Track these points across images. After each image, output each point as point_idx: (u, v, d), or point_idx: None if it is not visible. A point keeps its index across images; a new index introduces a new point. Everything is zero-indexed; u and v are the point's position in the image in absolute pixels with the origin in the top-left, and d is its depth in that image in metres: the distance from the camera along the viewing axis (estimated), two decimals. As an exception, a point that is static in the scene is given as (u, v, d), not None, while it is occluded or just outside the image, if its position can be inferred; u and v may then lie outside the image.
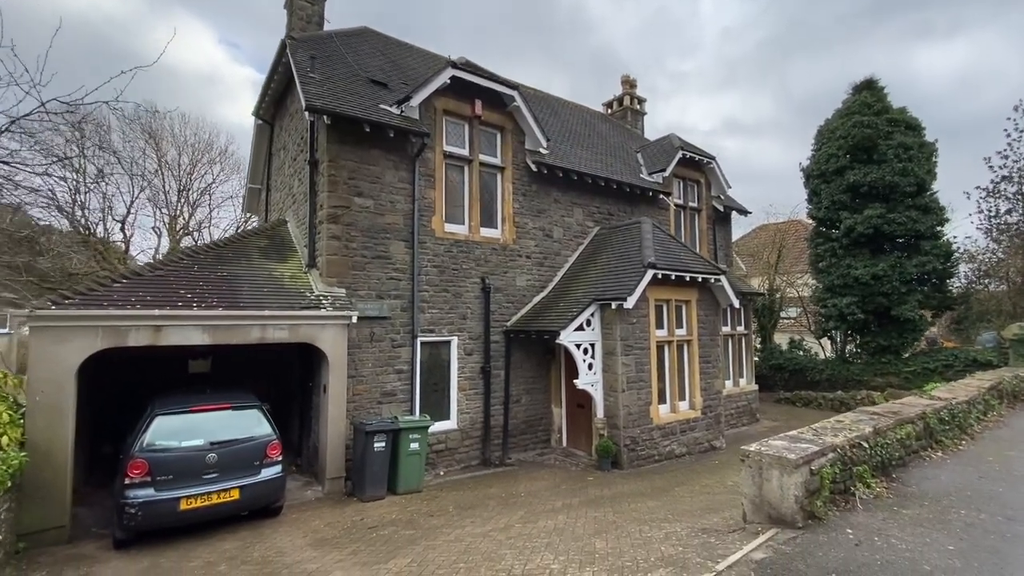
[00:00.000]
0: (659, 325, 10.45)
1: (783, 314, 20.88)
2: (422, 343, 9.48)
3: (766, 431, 13.18)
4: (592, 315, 9.83)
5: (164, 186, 25.46)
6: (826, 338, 18.55)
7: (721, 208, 15.25)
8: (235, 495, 6.30)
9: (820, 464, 4.62)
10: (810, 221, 19.83)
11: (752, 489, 4.68)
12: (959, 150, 34.77)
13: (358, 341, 8.74)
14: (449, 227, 10.01)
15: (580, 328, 9.62)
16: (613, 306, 9.52)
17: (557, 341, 9.29)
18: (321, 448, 8.16)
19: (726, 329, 13.55)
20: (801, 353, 18.27)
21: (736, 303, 11.53)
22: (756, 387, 14.69)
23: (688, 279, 10.43)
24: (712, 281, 10.93)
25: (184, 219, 25.24)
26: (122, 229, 23.89)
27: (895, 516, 4.61)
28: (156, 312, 6.73)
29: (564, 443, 10.99)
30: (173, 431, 6.31)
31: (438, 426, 9.52)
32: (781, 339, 20.19)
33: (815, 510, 4.46)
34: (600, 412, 9.78)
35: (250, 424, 6.77)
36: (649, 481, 8.61)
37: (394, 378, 9.09)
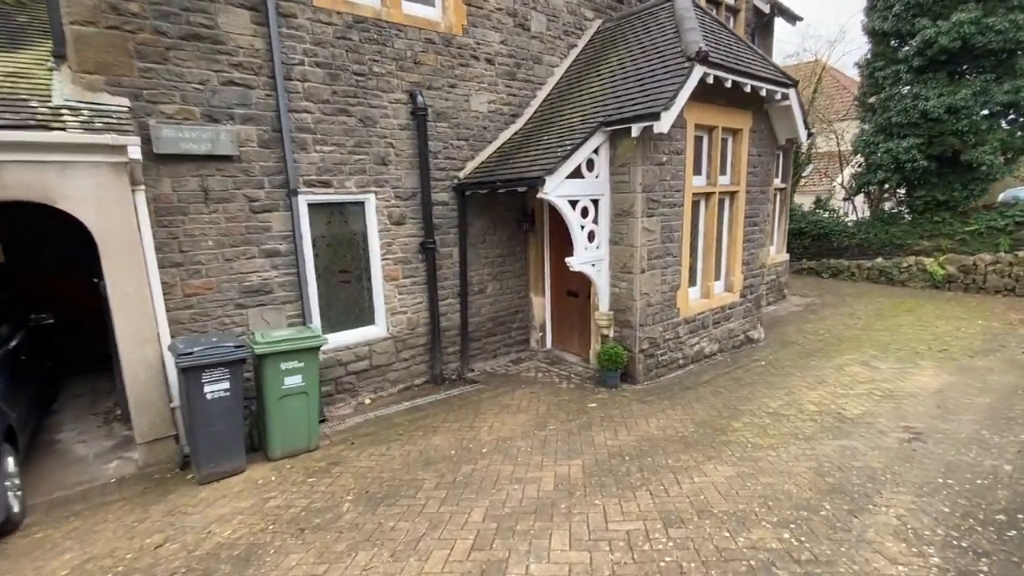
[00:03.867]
0: (696, 169, 6.52)
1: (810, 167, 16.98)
2: (311, 205, 5.42)
3: (800, 310, 10.12)
4: (596, 151, 5.79)
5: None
6: (861, 195, 14.96)
7: (766, 9, 10.49)
8: None
9: None
10: (839, 69, 15.13)
11: None
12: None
13: (178, 201, 4.64)
14: (341, -10, 5.37)
15: (576, 174, 5.62)
16: (634, 132, 5.45)
17: (540, 195, 5.35)
18: (123, 392, 4.49)
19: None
20: (826, 215, 14.81)
21: (804, 135, 7.54)
22: (787, 256, 11.36)
23: (749, 90, 6.26)
24: (778, 98, 6.79)
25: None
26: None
27: None
28: None
29: (548, 344, 7.63)
30: None
31: (353, 336, 5.90)
32: (801, 200, 16.61)
33: None
34: (605, 304, 6.23)
35: None
36: (684, 408, 5.36)
37: (263, 265, 5.18)
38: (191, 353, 3.92)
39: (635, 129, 5.40)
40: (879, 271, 12.26)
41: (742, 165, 7.04)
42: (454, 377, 6.70)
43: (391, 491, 3.81)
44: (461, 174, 6.45)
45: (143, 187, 4.23)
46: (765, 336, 8.12)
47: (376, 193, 5.82)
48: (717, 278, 7.29)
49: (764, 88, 6.43)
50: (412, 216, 6.13)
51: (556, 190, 5.40)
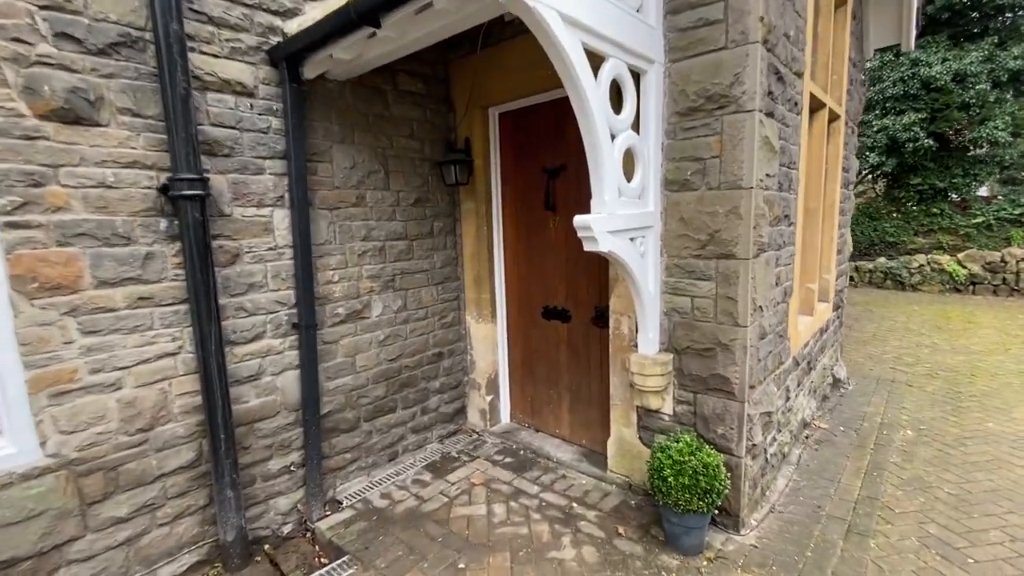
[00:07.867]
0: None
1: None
2: None
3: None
4: (637, -58, 2.15)
5: None
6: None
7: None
8: None
9: None
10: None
11: None
12: None
13: None
14: None
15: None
16: None
17: (513, 10, 1.59)
18: None
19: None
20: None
21: (913, 38, 4.55)
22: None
23: None
24: (911, -57, 3.68)
25: None
26: None
27: None
28: None
29: (503, 417, 3.78)
30: None
31: None
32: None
33: None
34: (652, 335, 2.51)
35: None
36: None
37: None
38: None
39: None
40: (884, 273, 9.94)
41: (844, 73, 3.84)
42: (286, 533, 2.64)
43: None
44: (291, 25, 2.52)
45: None
46: (846, 372, 4.94)
47: (-44, 1, 1.70)
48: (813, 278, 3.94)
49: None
50: (126, 105, 2.06)
51: (556, -9, 1.66)
